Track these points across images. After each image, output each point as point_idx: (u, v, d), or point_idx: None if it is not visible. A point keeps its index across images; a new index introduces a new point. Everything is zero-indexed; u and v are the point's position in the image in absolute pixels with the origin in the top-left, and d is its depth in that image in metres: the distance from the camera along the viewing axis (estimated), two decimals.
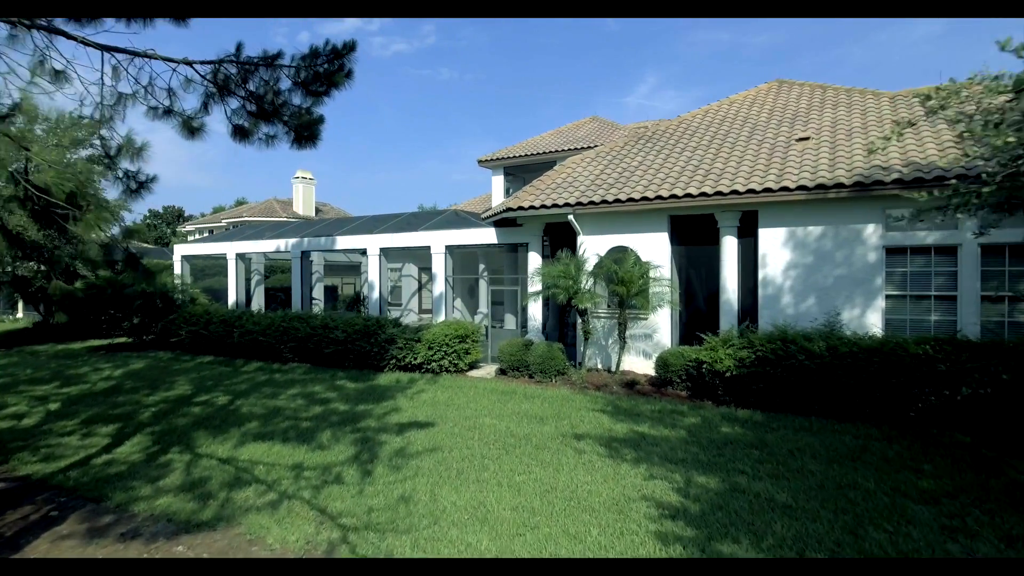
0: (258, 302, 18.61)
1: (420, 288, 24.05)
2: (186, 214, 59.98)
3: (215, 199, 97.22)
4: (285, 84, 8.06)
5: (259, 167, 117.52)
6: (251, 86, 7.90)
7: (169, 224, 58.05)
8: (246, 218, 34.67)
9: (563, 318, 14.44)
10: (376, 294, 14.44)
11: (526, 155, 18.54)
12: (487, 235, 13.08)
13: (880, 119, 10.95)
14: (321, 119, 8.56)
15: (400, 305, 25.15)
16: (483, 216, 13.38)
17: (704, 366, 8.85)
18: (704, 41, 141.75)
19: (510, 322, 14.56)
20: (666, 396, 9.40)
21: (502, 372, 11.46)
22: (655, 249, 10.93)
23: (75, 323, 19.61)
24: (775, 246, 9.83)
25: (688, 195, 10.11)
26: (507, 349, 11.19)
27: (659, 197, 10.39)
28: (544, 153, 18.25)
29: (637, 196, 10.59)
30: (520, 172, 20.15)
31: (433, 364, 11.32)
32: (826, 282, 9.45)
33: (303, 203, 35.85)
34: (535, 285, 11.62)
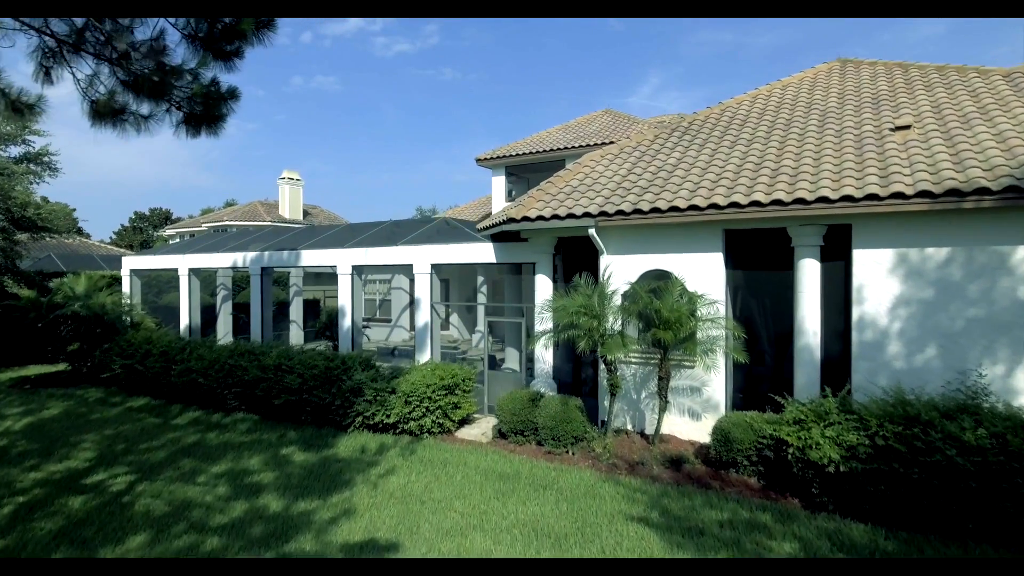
0: (225, 325, 15.85)
1: (412, 303, 21.42)
2: (174, 216, 57.44)
3: (216, 200, 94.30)
4: (174, 38, 5.50)
5: (262, 166, 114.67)
6: (116, 43, 5.30)
7: (156, 227, 55.55)
8: (227, 222, 32.10)
9: (577, 355, 11.75)
10: (348, 321, 11.76)
11: (530, 152, 15.96)
12: (483, 252, 10.39)
13: (1001, 101, 8.27)
14: (231, 93, 5.88)
15: (389, 321, 22.54)
16: (479, 227, 10.69)
17: (789, 451, 6.18)
18: (707, 42, 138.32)
19: (512, 358, 11.82)
20: (730, 485, 6.73)
21: (501, 435, 8.78)
22: (705, 275, 8.25)
23: (17, 348, 17.07)
24: (878, 274, 7.16)
25: (755, 203, 7.43)
26: (508, 405, 8.52)
27: (713, 206, 7.72)
28: (551, 150, 15.67)
29: (682, 204, 7.91)
30: (524, 172, 17.61)
31: (411, 424, 8.63)
32: (954, 326, 6.77)
33: (289, 206, 33.19)
34: (544, 322, 8.93)
